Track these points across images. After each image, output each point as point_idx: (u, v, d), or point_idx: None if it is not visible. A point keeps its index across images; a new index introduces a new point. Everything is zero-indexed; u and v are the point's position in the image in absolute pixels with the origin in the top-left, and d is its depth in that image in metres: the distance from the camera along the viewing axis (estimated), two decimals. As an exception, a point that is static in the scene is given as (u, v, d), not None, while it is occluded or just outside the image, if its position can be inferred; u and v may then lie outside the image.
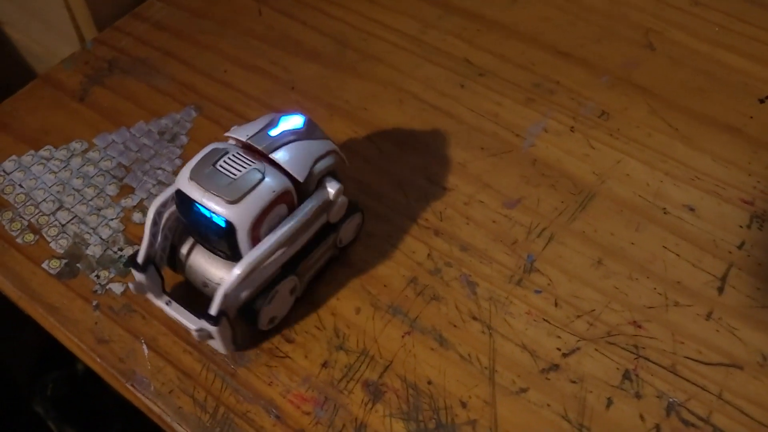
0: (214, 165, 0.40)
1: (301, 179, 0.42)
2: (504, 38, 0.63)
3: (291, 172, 0.41)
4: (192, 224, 0.42)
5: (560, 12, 0.66)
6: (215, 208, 0.39)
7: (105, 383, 0.82)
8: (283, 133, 0.43)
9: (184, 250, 0.44)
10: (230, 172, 0.40)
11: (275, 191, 0.40)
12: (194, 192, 0.40)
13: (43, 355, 0.89)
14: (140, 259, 0.43)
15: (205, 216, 0.40)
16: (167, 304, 0.44)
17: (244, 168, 0.40)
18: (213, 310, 0.41)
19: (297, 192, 0.42)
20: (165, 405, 0.43)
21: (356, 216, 0.48)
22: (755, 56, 0.61)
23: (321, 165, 0.43)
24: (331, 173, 0.44)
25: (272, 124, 0.43)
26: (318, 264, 0.47)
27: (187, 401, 0.43)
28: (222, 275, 0.43)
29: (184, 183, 0.40)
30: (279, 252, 0.42)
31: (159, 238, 0.44)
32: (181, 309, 0.43)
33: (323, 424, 0.43)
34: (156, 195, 0.52)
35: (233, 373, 0.44)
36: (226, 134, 0.43)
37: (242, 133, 0.43)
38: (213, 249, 0.43)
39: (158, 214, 0.43)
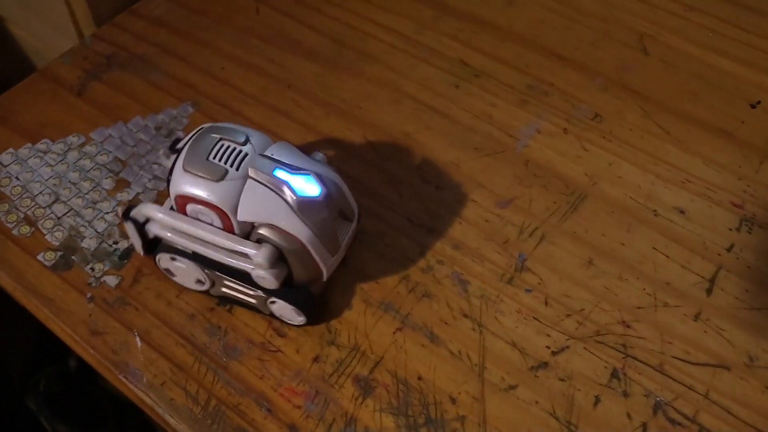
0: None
1: (239, 218, 0.42)
2: (499, 40, 0.64)
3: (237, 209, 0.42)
4: None
5: (555, 15, 0.66)
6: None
7: (97, 380, 0.83)
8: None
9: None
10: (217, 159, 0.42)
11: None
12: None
13: (36, 351, 0.90)
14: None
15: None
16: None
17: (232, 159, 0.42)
18: (129, 212, 0.44)
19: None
20: (157, 397, 0.44)
21: (295, 312, 0.45)
22: (748, 61, 0.62)
23: (275, 234, 0.42)
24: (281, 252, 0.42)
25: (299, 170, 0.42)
26: (239, 295, 0.46)
27: (179, 393, 0.44)
28: None
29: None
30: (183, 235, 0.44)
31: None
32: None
33: (314, 418, 0.43)
34: (151, 189, 0.53)
35: (225, 366, 0.45)
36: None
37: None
38: None
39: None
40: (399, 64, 0.62)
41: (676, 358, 0.46)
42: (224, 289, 0.46)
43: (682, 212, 0.52)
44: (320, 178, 0.42)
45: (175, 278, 0.47)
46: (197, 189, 0.41)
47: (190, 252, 0.44)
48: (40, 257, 0.49)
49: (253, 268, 0.42)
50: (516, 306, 0.48)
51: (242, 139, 0.42)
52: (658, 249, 0.51)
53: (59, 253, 0.50)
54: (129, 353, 0.45)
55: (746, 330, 0.47)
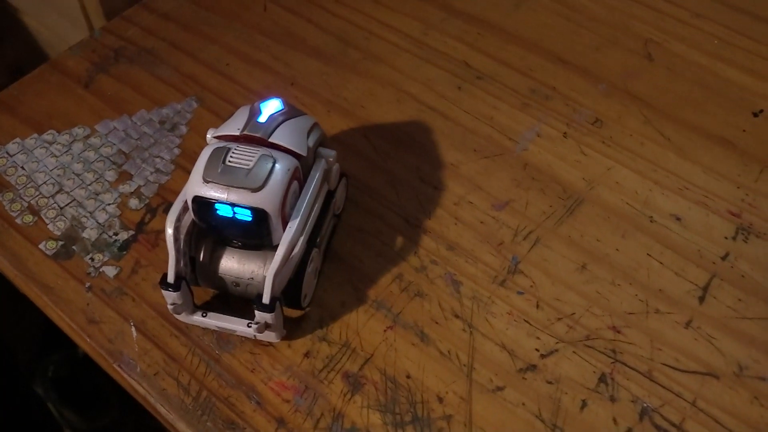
0: (224, 162, 0.41)
1: (304, 154, 0.44)
2: (504, 43, 0.64)
3: (294, 149, 0.43)
4: (218, 226, 0.42)
5: (562, 19, 0.66)
6: (244, 200, 0.40)
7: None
8: (270, 117, 0.45)
9: (205, 258, 0.45)
10: (243, 164, 0.41)
11: (289, 170, 0.42)
12: (215, 192, 0.41)
13: (45, 337, 0.91)
14: (171, 278, 0.43)
15: (233, 211, 0.41)
16: (203, 316, 0.45)
17: (254, 157, 0.41)
18: (266, 299, 0.42)
19: (301, 167, 0.44)
20: (150, 386, 0.45)
21: (344, 180, 0.51)
22: (753, 70, 0.62)
23: (312, 138, 0.46)
24: (322, 143, 0.47)
25: (255, 112, 0.45)
26: (327, 234, 0.49)
27: (171, 384, 0.45)
28: (253, 269, 0.44)
29: (200, 187, 0.41)
30: (307, 227, 0.44)
31: (182, 254, 0.44)
32: (222, 316, 0.45)
33: (302, 413, 0.44)
34: (153, 183, 0.54)
35: (217, 359, 0.46)
36: (211, 136, 0.45)
37: (230, 128, 0.44)
38: (243, 243, 0.44)
39: (176, 229, 0.43)
40: (403, 64, 0.62)
41: (665, 365, 0.46)
42: (322, 248, 0.48)
43: (678, 219, 0.52)
44: (264, 104, 0.46)
45: (307, 301, 0.47)
46: (281, 181, 0.41)
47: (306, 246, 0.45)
48: (41, 246, 0.50)
49: (331, 176, 0.47)
50: (507, 308, 0.48)
51: (224, 151, 0.42)
52: (652, 255, 0.51)
53: (60, 243, 0.51)
54: (124, 342, 0.46)
55: (737, 339, 0.47)
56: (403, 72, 0.62)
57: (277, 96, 0.46)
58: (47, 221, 0.52)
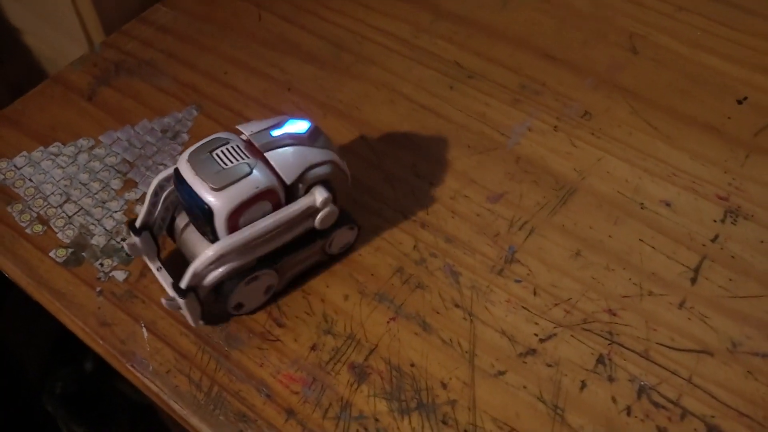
0: (210, 152, 0.43)
1: (287, 181, 0.44)
2: (493, 42, 0.66)
3: (279, 173, 0.44)
4: (183, 202, 0.45)
5: (548, 17, 0.68)
6: (200, 192, 0.42)
7: (113, 382, 0.85)
8: (284, 135, 0.45)
9: (180, 223, 0.48)
10: (222, 162, 0.43)
11: (258, 187, 0.43)
12: (187, 173, 0.43)
13: (53, 353, 0.92)
14: (137, 224, 0.47)
15: (193, 197, 0.43)
16: (158, 269, 0.48)
17: (237, 160, 0.43)
18: (183, 284, 0.44)
19: (286, 194, 0.45)
20: (162, 384, 0.46)
21: (349, 229, 0.50)
22: (735, 58, 0.64)
23: (315, 172, 0.45)
24: (325, 182, 0.46)
25: (277, 125, 0.46)
26: (302, 265, 0.49)
27: (183, 380, 0.46)
28: (198, 252, 0.45)
29: (182, 163, 0.44)
30: (254, 243, 0.44)
31: (159, 209, 0.47)
32: (167, 276, 0.47)
33: (311, 403, 0.45)
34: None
35: (227, 355, 0.47)
36: (237, 127, 0.46)
37: (249, 128, 0.46)
38: (198, 228, 0.46)
39: (160, 186, 0.46)
40: (395, 66, 0.64)
41: (660, 344, 0.47)
42: (289, 273, 0.49)
43: (668, 205, 0.54)
44: (291, 122, 0.47)
45: (242, 310, 0.48)
46: (242, 192, 0.42)
47: (255, 261, 0.46)
48: (51, 254, 0.52)
49: (319, 217, 0.46)
50: (506, 296, 0.49)
51: (221, 143, 0.44)
52: (644, 240, 0.52)
53: (70, 250, 0.52)
54: (136, 343, 0.48)
55: (729, 317, 0.49)
56: (396, 73, 0.63)
57: (309, 120, 0.47)
58: (56, 230, 0.53)
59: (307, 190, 0.46)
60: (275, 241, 0.46)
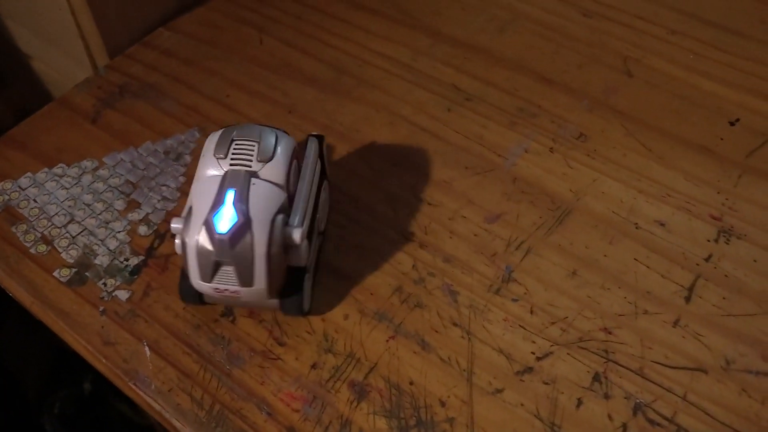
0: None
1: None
2: (490, 65, 0.67)
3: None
4: None
5: (544, 41, 0.69)
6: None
7: (111, 403, 0.85)
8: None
9: None
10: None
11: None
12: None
13: (52, 373, 0.92)
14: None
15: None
16: None
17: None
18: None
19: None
20: (165, 402, 0.47)
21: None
22: (727, 81, 0.65)
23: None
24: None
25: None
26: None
27: (185, 399, 0.47)
28: None
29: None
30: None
31: None
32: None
33: (311, 421, 0.46)
34: (160, 210, 0.56)
35: (228, 373, 0.48)
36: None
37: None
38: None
39: None
40: (395, 89, 0.65)
41: (655, 362, 0.48)
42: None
43: (662, 225, 0.55)
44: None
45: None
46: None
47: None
48: (56, 274, 0.53)
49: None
50: (503, 315, 0.50)
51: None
52: (639, 260, 0.53)
53: (74, 270, 0.53)
54: (139, 362, 0.48)
55: (723, 335, 0.49)
56: (396, 96, 0.65)
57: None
58: (60, 250, 0.54)
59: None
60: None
